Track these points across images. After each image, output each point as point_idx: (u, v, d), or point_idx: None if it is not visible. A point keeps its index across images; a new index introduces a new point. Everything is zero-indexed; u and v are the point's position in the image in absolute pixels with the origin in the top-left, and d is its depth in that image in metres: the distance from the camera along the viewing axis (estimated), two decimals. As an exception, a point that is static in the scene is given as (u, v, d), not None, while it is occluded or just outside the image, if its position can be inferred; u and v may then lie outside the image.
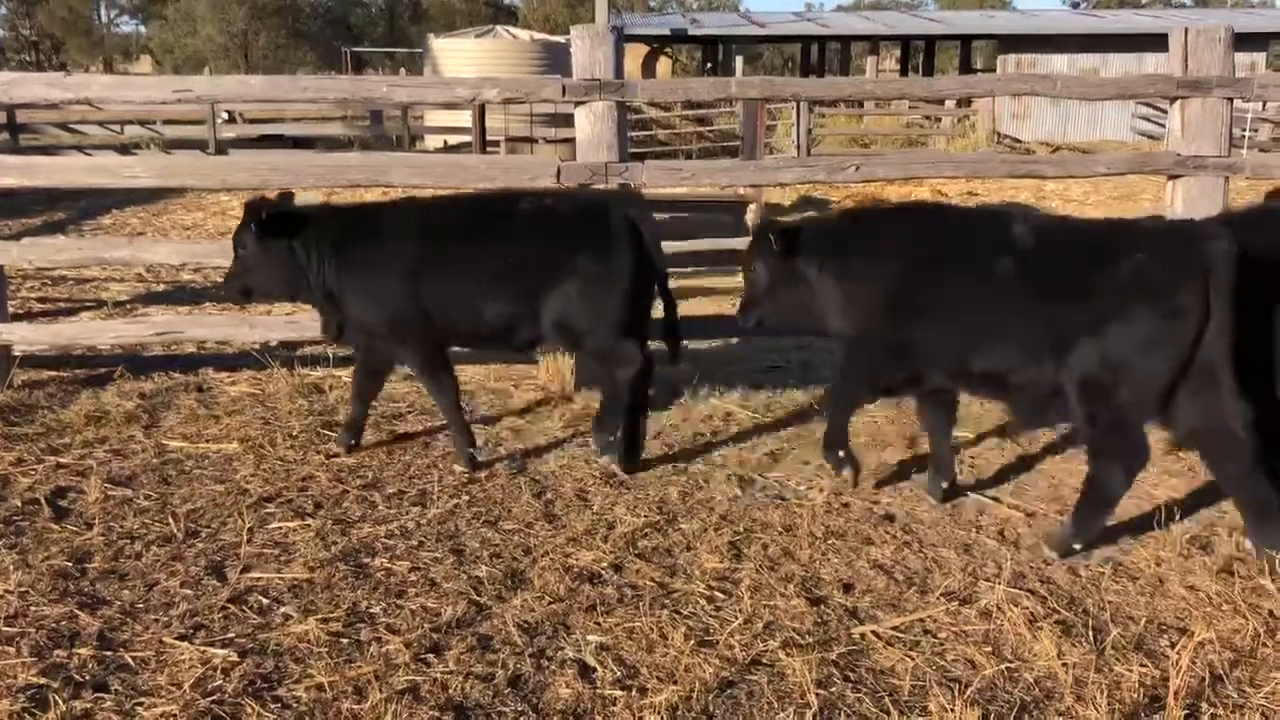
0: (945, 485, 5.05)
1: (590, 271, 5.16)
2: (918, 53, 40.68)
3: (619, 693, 3.45)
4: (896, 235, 4.87)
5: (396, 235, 5.31)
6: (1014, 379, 4.56)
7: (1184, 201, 6.41)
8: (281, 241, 5.24)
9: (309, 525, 4.68)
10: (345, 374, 6.73)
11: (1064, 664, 3.59)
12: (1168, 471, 5.36)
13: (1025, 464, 5.55)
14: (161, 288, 10.03)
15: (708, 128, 26.99)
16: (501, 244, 5.26)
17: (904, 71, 41.26)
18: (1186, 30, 6.34)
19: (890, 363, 4.76)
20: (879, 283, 4.72)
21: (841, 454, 4.94)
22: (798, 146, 22.64)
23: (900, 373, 4.79)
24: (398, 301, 5.24)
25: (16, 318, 7.74)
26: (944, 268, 4.64)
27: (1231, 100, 6.37)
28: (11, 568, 4.23)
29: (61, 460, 5.38)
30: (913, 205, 5.50)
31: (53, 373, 6.68)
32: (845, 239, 4.93)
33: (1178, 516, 4.78)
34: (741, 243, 6.79)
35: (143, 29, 62.54)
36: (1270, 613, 3.97)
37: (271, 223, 5.21)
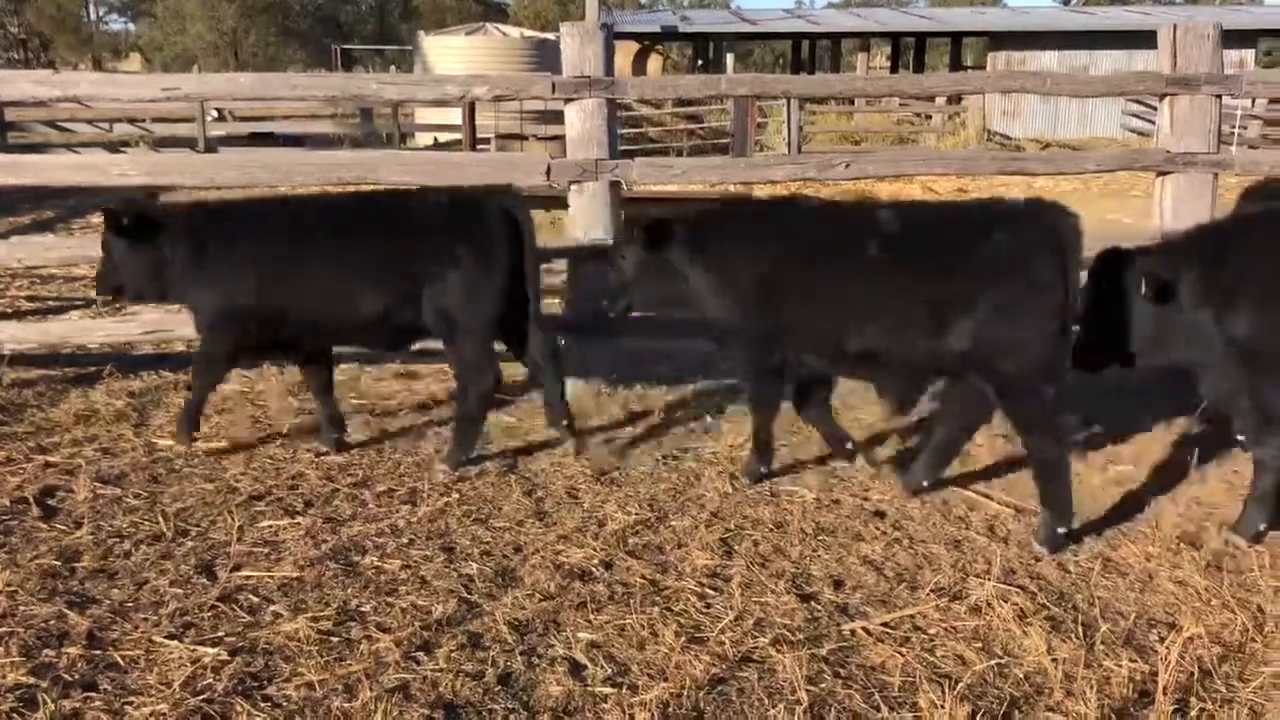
0: (850, 447, 5.33)
1: (464, 269, 5.16)
2: (908, 50, 40.72)
3: (610, 690, 3.45)
4: (768, 225, 5.08)
5: (257, 232, 5.27)
6: (887, 358, 4.75)
7: (1173, 198, 6.42)
8: (147, 243, 5.22)
9: (299, 523, 4.68)
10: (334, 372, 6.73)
11: (1054, 659, 3.60)
12: (1156, 468, 5.37)
13: (1015, 460, 5.55)
14: (151, 286, 9.99)
15: (699, 125, 26.98)
16: (366, 240, 5.24)
17: (894, 68, 41.25)
18: (1175, 27, 6.35)
19: (778, 349, 4.97)
20: (754, 272, 4.91)
21: (764, 470, 5.26)
22: (788, 144, 22.64)
23: (791, 357, 5.00)
24: (240, 298, 5.19)
25: (5, 316, 7.71)
26: (816, 253, 4.84)
27: (1220, 97, 6.38)
28: (0, 567, 4.22)
29: (50, 459, 5.36)
30: (783, 197, 5.77)
31: (42, 371, 6.65)
32: (717, 231, 5.13)
33: (1166, 512, 4.79)
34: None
35: (132, 27, 62.30)
36: (1258, 607, 3.99)
37: (133, 227, 5.19)
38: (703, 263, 5.03)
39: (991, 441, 5.78)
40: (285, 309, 5.22)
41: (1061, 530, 4.52)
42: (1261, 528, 4.53)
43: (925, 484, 5.04)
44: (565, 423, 5.54)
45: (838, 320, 4.75)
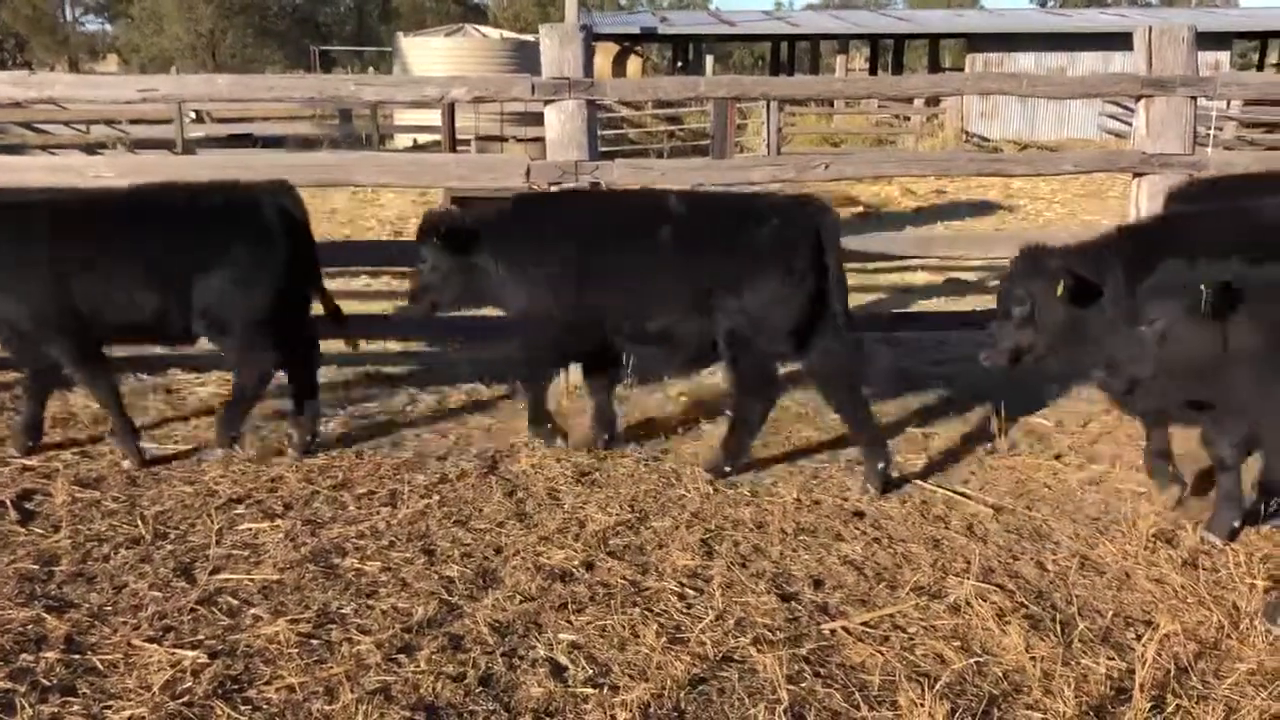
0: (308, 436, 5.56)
1: (238, 263, 5.19)
2: (887, 51, 40.85)
3: (591, 691, 3.45)
4: (567, 219, 5.38)
5: (39, 230, 5.17)
6: (678, 335, 5.21)
7: (1149, 199, 6.47)
8: None
9: (278, 526, 4.66)
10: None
11: (1032, 658, 3.62)
12: (1134, 466, 5.41)
13: (993, 460, 5.59)
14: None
15: (678, 126, 26.98)
16: (147, 236, 5.21)
17: (873, 70, 41.38)
18: (1151, 29, 6.41)
19: (576, 333, 5.30)
20: (558, 264, 5.20)
21: (550, 426, 5.57)
22: (768, 145, 22.63)
23: (589, 341, 5.35)
24: (39, 299, 5.12)
25: (-20, 319, 7.63)
26: (614, 242, 5.19)
27: (1195, 99, 6.44)
28: (-23, 571, 4.19)
29: (27, 463, 5.33)
30: (577, 190, 6.01)
31: (18, 375, 6.59)
32: (518, 229, 5.35)
33: (1143, 511, 4.83)
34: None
35: (108, 28, 61.83)
36: (1234, 605, 4.02)
37: None
38: (507, 261, 5.25)
39: (972, 443, 5.82)
40: (56, 308, 5.13)
41: (728, 469, 5.22)
42: (1235, 525, 4.57)
43: (882, 466, 5.15)
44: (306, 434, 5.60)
45: (640, 302, 5.16)
